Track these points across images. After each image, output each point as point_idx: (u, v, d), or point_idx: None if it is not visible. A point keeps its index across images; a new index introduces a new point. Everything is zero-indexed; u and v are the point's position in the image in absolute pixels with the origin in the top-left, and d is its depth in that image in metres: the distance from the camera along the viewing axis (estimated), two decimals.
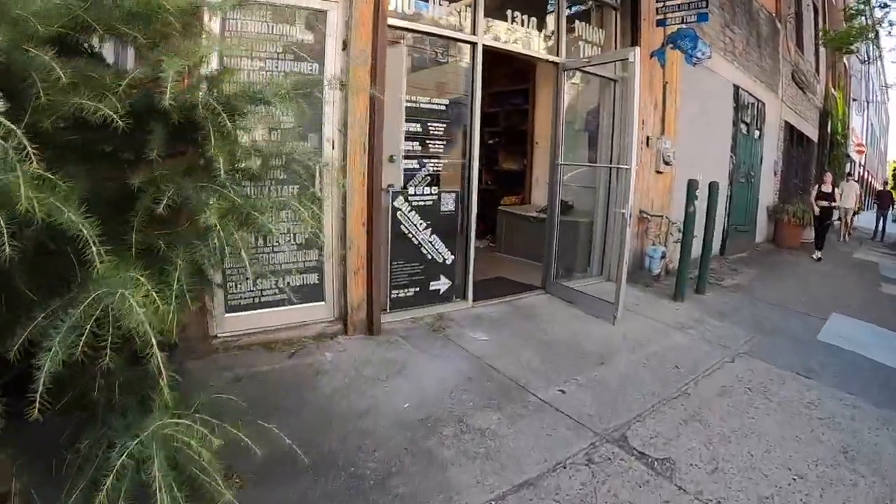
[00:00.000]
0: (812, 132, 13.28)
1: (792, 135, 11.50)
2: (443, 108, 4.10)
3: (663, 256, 5.64)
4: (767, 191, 10.10)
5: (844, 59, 16.37)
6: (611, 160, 5.26)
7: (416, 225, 3.92)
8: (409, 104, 3.89)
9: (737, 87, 7.96)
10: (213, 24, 3.01)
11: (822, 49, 13.62)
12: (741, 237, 8.74)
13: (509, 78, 7.19)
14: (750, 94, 8.51)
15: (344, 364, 3.23)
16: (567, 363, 3.42)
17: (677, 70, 5.87)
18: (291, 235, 3.56)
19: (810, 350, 4.08)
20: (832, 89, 14.77)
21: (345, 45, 3.38)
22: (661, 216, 5.75)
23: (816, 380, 3.48)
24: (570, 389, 3.08)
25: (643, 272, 5.68)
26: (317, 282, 3.68)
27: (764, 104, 9.21)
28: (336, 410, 2.71)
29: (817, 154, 14.00)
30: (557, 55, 4.87)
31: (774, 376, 3.48)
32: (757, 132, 9.12)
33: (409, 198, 3.88)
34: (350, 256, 3.53)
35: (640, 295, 5.18)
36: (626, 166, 4.19)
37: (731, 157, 8.09)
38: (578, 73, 5.38)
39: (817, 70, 13.50)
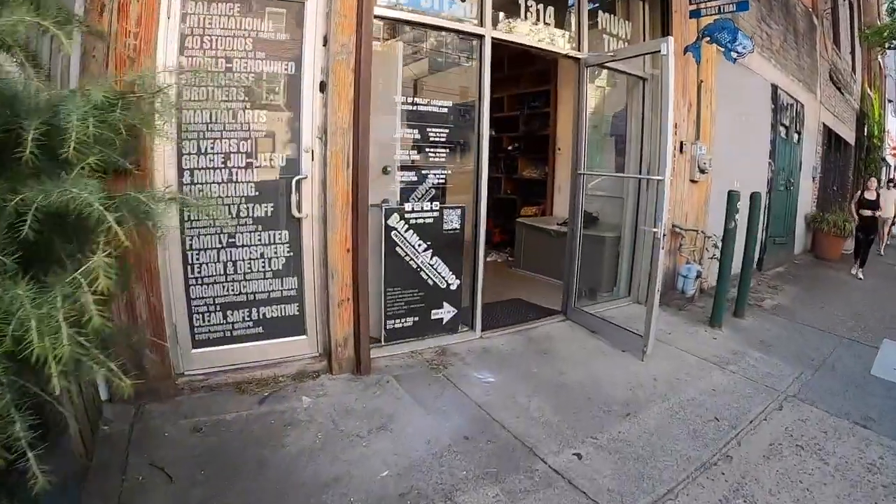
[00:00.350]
0: (849, 135, 12.29)
1: (829, 138, 10.59)
2: (445, 110, 3.60)
3: (698, 276, 5.01)
4: (805, 199, 9.27)
5: (879, 59, 15.28)
6: (640, 169, 4.68)
7: (414, 246, 3.42)
8: (405, 107, 3.40)
9: (775, 87, 7.22)
10: (170, 19, 2.60)
11: (857, 47, 12.66)
12: (779, 250, 7.97)
13: (529, 79, 6.67)
14: (789, 95, 7.75)
15: (320, 414, 2.75)
16: (586, 415, 2.87)
17: (712, 68, 5.24)
18: (265, 261, 3.11)
19: (865, 389, 3.43)
20: (868, 90, 13.72)
21: (325, 41, 2.91)
22: (696, 231, 5.12)
23: (875, 430, 2.86)
24: (587, 452, 2.52)
25: (675, 293, 5.06)
26: (296, 313, 3.21)
27: (802, 105, 8.40)
28: (299, 478, 2.23)
29: (854, 158, 13.00)
30: (578, 50, 4.30)
31: (829, 428, 2.87)
32: (796, 136, 8.32)
33: (406, 215, 3.38)
34: (333, 286, 3.05)
35: (672, 320, 4.57)
36: (658, 177, 3.60)
37: (770, 163, 7.33)
38: (603, 72, 4.83)
39: (853, 69, 12.53)
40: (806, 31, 8.43)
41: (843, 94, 11.13)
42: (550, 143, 6.42)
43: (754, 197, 4.59)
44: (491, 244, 7.31)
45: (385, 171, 3.30)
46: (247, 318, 3.15)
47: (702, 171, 5.15)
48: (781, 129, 7.60)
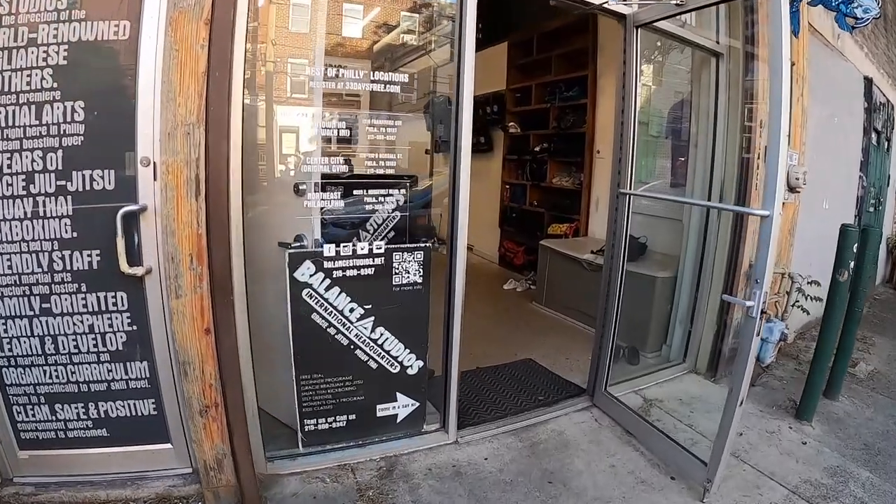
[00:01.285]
0: None
1: None
2: (397, 88, 2.22)
3: (783, 338, 3.53)
4: (889, 219, 7.37)
5: None
6: (710, 186, 3.27)
7: (342, 312, 2.19)
8: (328, 86, 2.10)
9: (869, 81, 5.44)
10: None
11: None
12: None
13: (562, 63, 5.30)
14: (881, 92, 5.99)
15: None
16: None
17: (804, 46, 3.68)
18: (98, 337, 1.98)
19: None
20: None
21: None
22: (783, 273, 3.63)
23: None
24: None
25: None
26: (153, 412, 2.08)
27: (893, 106, 6.59)
28: None
29: None
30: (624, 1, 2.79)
31: None
32: (886, 143, 6.52)
33: (327, 264, 2.14)
34: (189, 385, 1.88)
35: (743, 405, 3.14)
36: (761, 211, 1.99)
37: (861, 177, 5.61)
38: (656, 44, 3.45)
39: None
40: (894, 17, 6.57)
41: None
42: (587, 145, 5.03)
43: (869, 235, 3.09)
44: (512, 267, 6.04)
45: (296, 190, 2.09)
46: (83, 416, 2.09)
47: (791, 190, 3.62)
48: (874, 134, 5.86)
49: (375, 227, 2.55)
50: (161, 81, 1.69)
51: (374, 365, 2.27)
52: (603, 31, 4.75)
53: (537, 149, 5.74)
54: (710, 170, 3.28)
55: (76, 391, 2.05)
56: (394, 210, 2.48)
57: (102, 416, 2.08)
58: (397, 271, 2.22)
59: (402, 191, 2.45)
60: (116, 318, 1.96)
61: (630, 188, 2.85)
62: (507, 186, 6.34)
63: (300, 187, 2.06)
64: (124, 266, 1.81)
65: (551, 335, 4.07)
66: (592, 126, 4.99)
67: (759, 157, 3.22)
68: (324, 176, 2.07)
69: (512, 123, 6.07)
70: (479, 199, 6.69)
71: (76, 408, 2.07)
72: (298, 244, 2.11)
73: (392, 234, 2.57)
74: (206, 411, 1.90)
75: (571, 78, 5.16)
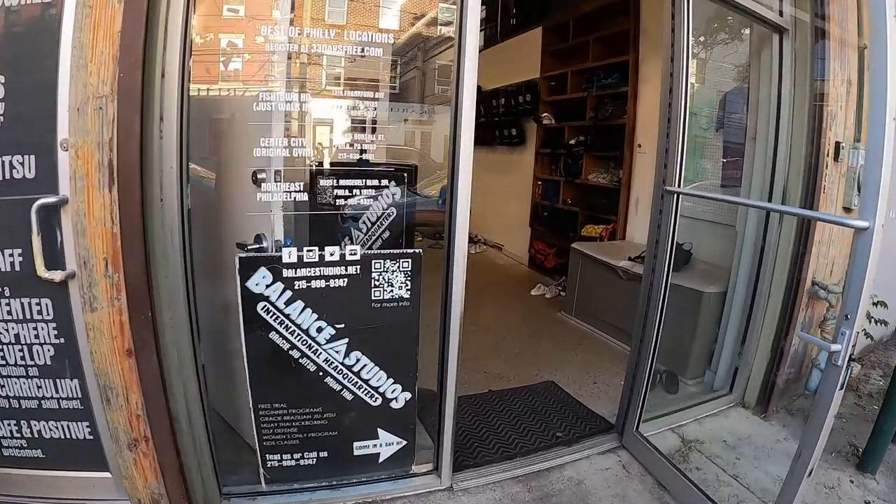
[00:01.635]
0: None
1: None
2: (378, 53, 1.81)
3: (849, 371, 2.95)
4: None
5: None
6: (770, 189, 2.75)
7: (307, 332, 1.81)
8: (293, 48, 1.72)
9: None
10: None
11: None
12: None
13: (600, 48, 4.80)
14: None
15: None
16: None
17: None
18: (24, 348, 1.69)
19: None
20: None
21: None
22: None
23: None
24: None
25: (798, 389, 3.04)
26: (88, 436, 1.78)
27: None
28: None
29: None
30: None
31: None
32: None
33: (288, 272, 1.75)
34: (115, 415, 1.56)
35: (794, 447, 2.62)
36: (854, 221, 1.47)
37: None
38: (708, 22, 2.96)
39: None
40: None
41: None
42: (627, 138, 4.52)
43: None
44: (542, 269, 5.59)
45: (254, 179, 1.73)
46: (16, 434, 1.81)
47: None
48: None
49: (369, 224, 2.21)
50: (72, 46, 1.36)
51: (348, 396, 1.89)
52: (646, 12, 4.24)
53: (572, 142, 5.25)
54: (770, 168, 2.75)
55: (7, 406, 1.77)
56: (388, 206, 2.15)
57: (36, 435, 1.80)
58: (377, 283, 1.82)
59: (396, 183, 2.10)
60: (42, 328, 1.66)
61: (679, 185, 2.35)
62: (540, 182, 5.88)
63: (259, 176, 1.69)
64: (41, 269, 1.50)
65: (579, 351, 3.61)
66: (633, 117, 4.48)
67: (828, 155, 2.68)
68: (287, 162, 1.70)
69: (546, 114, 5.61)
70: (508, 195, 6.35)
71: (9, 424, 1.80)
72: (257, 246, 1.76)
73: (386, 234, 2.22)
74: (135, 445, 1.58)
75: (611, 64, 4.65)
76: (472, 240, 7.23)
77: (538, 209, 5.88)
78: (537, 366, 3.32)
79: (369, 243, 2.24)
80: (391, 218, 2.16)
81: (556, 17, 5.38)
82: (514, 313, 4.44)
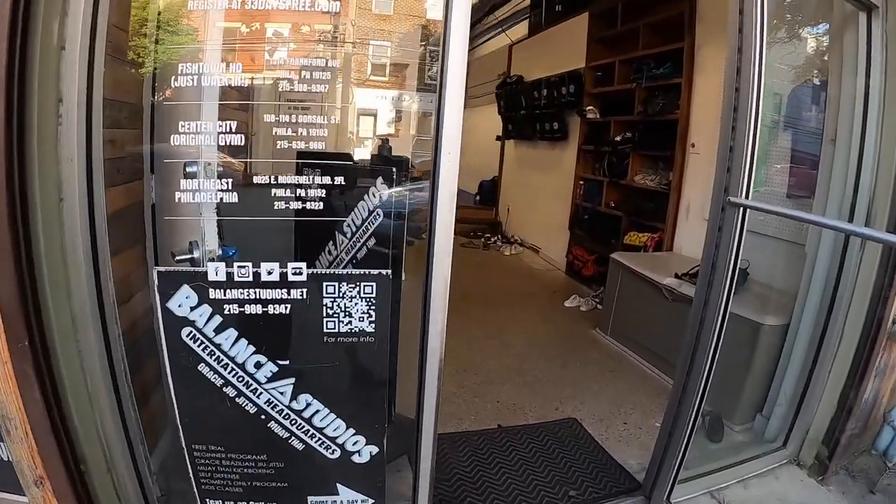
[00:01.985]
0: None
1: None
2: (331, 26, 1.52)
3: None
4: None
5: None
6: (853, 202, 2.24)
7: (243, 367, 1.47)
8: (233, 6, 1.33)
9: None
10: None
11: None
12: None
13: (651, 34, 4.28)
14: None
15: None
16: None
17: None
18: None
19: None
20: None
21: None
22: None
23: None
24: None
25: (861, 444, 2.48)
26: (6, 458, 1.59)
27: None
28: None
29: None
30: None
31: None
32: None
33: (215, 291, 1.40)
34: (16, 447, 1.33)
35: None
36: None
37: None
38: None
39: None
40: None
41: None
42: (679, 136, 4.00)
43: None
44: (579, 277, 5.15)
45: (186, 173, 1.40)
46: None
47: None
48: None
49: (353, 230, 1.91)
50: None
51: (298, 445, 1.58)
52: None
53: (618, 139, 4.75)
54: (853, 178, 2.23)
55: None
56: (374, 209, 1.85)
57: None
58: (331, 312, 1.47)
59: (381, 181, 1.79)
60: None
61: (746, 196, 1.88)
62: (581, 182, 5.40)
63: (190, 169, 1.39)
64: None
65: (610, 380, 3.19)
66: (687, 112, 3.95)
67: None
68: (231, 152, 1.39)
69: (590, 107, 5.12)
70: (548, 194, 5.89)
71: None
72: (188, 257, 1.46)
73: (372, 241, 1.91)
74: (42, 483, 1.35)
75: (663, 52, 4.13)
76: (509, 240, 6.82)
77: (578, 211, 5.41)
78: (560, 397, 2.93)
79: (350, 255, 1.94)
80: (377, 222, 1.87)
81: (604, 1, 4.87)
82: (542, 327, 4.04)
